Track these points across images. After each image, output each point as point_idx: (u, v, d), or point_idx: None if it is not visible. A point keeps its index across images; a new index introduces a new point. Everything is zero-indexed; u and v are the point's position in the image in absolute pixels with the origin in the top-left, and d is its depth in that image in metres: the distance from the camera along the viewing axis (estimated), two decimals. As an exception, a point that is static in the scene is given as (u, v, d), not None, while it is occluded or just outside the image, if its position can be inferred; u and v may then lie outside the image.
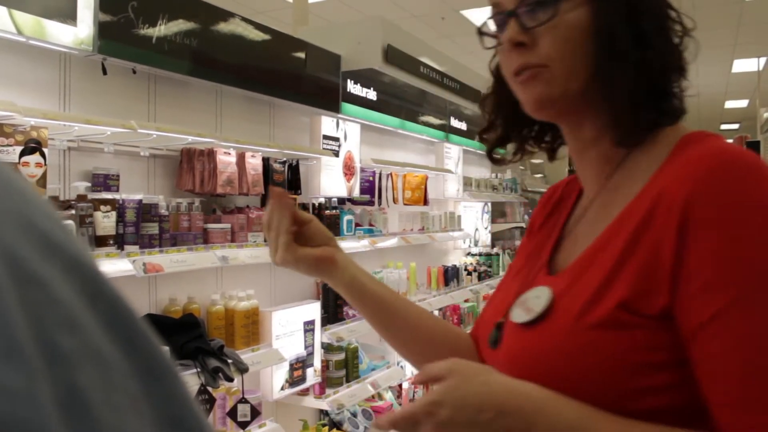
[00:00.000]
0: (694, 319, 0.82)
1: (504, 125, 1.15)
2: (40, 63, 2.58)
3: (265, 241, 3.25)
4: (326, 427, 3.89)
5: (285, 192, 1.23)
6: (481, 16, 9.29)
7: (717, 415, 0.80)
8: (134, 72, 2.88)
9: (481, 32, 1.09)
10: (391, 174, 4.75)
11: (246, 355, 3.05)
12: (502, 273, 6.38)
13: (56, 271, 0.30)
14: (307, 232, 1.24)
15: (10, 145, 2.21)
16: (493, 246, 6.83)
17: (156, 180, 3.06)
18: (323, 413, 4.02)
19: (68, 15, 2.48)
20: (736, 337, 0.79)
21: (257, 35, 3.43)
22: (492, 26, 1.08)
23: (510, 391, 0.88)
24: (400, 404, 4.48)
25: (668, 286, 0.84)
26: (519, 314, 0.99)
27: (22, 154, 2.23)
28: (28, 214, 0.31)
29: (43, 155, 2.29)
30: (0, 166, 0.33)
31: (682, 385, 0.84)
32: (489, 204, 6.74)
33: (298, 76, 3.73)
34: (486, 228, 6.73)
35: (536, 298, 0.98)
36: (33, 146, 2.26)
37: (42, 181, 2.29)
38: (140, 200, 2.65)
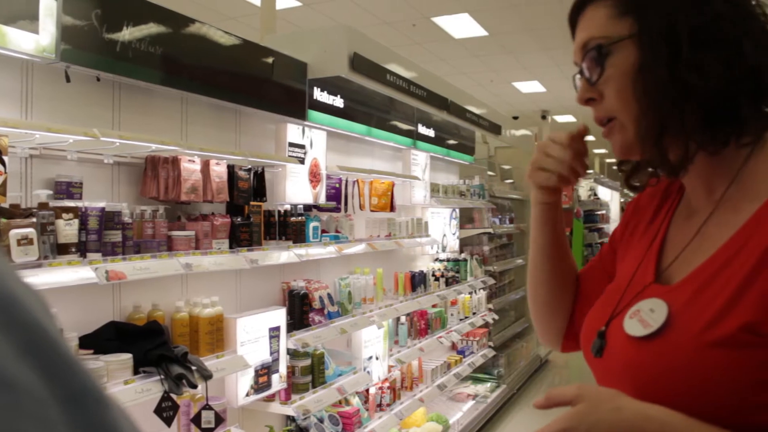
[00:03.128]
0: None
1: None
2: (1, 70, 2.58)
3: (243, 242, 3.28)
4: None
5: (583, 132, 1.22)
6: (451, 23, 9.38)
7: None
8: (98, 80, 2.89)
9: (575, 84, 1.12)
10: (357, 181, 4.79)
11: (210, 362, 3.06)
12: (470, 278, 6.45)
13: None
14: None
15: (-30, 153, 2.21)
16: (461, 252, 6.89)
17: (120, 187, 3.06)
18: (290, 419, 4.03)
19: (30, 22, 2.48)
20: None
21: (223, 43, 3.45)
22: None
23: (644, 417, 0.89)
24: (367, 409, 4.51)
25: None
26: (634, 326, 0.99)
27: (-18, 162, 2.23)
28: None
29: (3, 163, 2.29)
30: None
31: None
32: (457, 210, 6.79)
33: (265, 84, 3.76)
34: (454, 234, 6.79)
35: (651, 312, 0.99)
36: (-7, 154, 2.26)
37: (2, 188, 2.29)
38: (103, 208, 2.66)
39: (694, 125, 0.97)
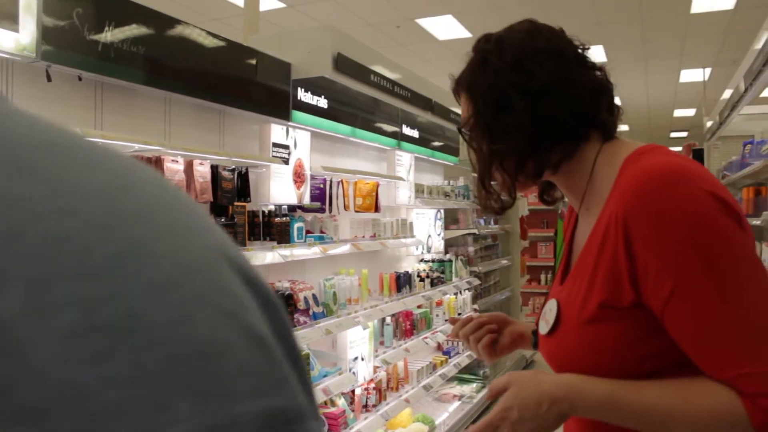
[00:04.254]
0: (657, 306, 1.10)
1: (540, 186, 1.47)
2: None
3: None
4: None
5: (467, 318, 1.69)
6: (435, 24, 9.40)
7: (697, 363, 1.09)
8: (80, 79, 2.87)
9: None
10: (341, 181, 4.78)
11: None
12: (455, 279, 6.46)
13: (241, 285, 0.34)
14: (485, 321, 1.66)
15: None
16: (446, 252, 6.90)
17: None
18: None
19: (9, 20, 2.46)
20: (686, 312, 1.07)
21: (207, 43, 3.44)
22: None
23: (556, 384, 1.18)
24: (353, 410, 4.50)
25: (630, 286, 1.12)
26: (542, 326, 1.32)
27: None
28: (221, 243, 0.36)
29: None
30: (171, 190, 0.36)
31: (669, 348, 1.12)
32: (442, 211, 6.81)
33: (248, 84, 3.75)
34: (439, 234, 6.80)
35: (550, 311, 1.29)
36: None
37: None
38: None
39: (509, 170, 1.29)
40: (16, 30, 2.48)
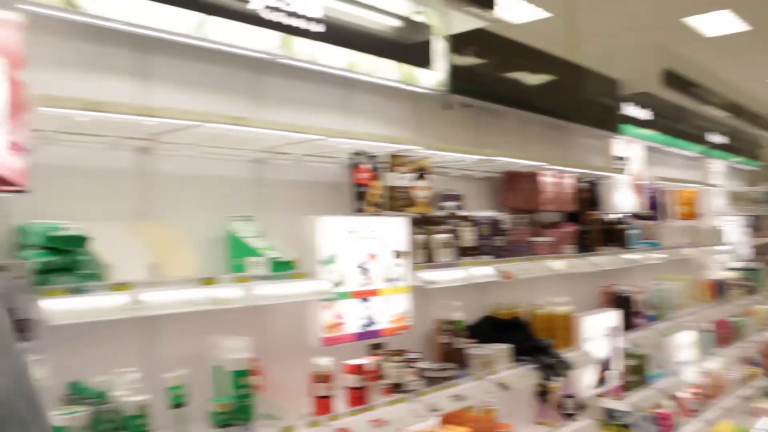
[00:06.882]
0: None
1: None
2: (396, 102, 3.08)
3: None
4: (621, 428, 4.11)
5: None
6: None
7: None
8: (451, 107, 3.28)
9: None
10: (668, 190, 4.92)
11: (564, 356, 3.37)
12: (764, 288, 6.24)
13: None
14: None
15: (405, 173, 2.71)
16: (755, 260, 6.65)
17: (479, 199, 3.47)
18: (613, 414, 4.23)
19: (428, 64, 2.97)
20: None
21: (553, 66, 3.82)
22: None
23: None
24: (679, 414, 4.59)
25: None
26: None
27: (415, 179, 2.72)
28: None
29: (427, 180, 2.77)
30: None
31: None
32: (749, 217, 6.61)
33: (586, 104, 4.07)
34: (746, 242, 6.61)
35: None
36: (421, 173, 2.75)
37: (430, 201, 2.77)
38: (492, 217, 3.09)
39: None
40: (433, 69, 2.97)
